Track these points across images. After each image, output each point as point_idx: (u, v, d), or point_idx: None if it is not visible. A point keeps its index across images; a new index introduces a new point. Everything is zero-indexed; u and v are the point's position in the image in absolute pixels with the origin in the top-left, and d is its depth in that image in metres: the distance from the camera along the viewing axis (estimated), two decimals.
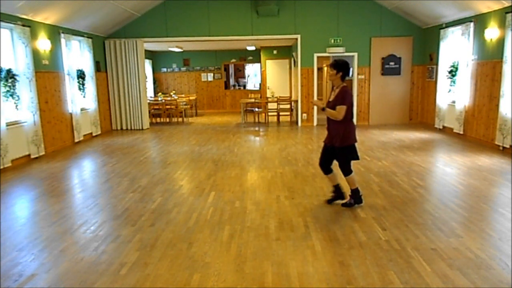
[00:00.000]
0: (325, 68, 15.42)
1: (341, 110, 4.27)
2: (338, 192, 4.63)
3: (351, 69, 12.32)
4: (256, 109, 12.78)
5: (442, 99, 9.85)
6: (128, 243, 3.71)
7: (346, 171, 4.49)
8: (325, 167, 4.62)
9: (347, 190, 4.64)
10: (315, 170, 6.16)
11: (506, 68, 7.19)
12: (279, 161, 7.05)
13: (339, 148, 4.42)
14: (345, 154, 4.45)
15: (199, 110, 16.21)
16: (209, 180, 5.87)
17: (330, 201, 4.69)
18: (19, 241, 3.82)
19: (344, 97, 4.30)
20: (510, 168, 6.10)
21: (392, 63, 11.14)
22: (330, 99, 4.45)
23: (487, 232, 3.78)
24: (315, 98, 11.59)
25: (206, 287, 2.94)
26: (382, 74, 11.21)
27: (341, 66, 4.34)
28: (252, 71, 20.20)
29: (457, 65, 9.07)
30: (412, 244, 3.55)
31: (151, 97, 14.84)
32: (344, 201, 4.60)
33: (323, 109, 4.43)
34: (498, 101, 7.48)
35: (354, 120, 11.29)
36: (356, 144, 4.51)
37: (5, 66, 6.96)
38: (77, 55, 9.71)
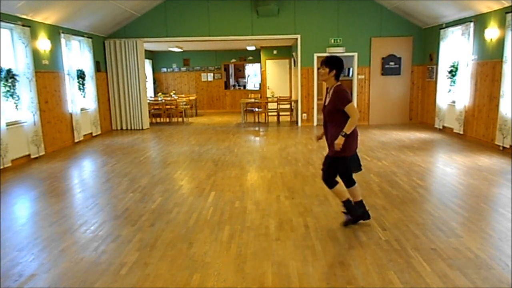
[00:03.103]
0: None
1: (351, 109, 3.65)
2: (351, 208, 3.95)
3: (351, 69, 12.33)
4: (256, 109, 12.78)
5: (442, 99, 9.85)
6: (128, 243, 3.71)
7: (330, 182, 3.88)
8: (327, 180, 3.93)
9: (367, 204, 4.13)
10: (315, 170, 6.16)
11: (506, 68, 7.19)
12: (279, 161, 7.05)
13: (331, 157, 3.83)
14: (336, 165, 3.82)
15: (199, 110, 16.21)
16: (209, 180, 5.87)
17: (345, 223, 4.00)
18: (19, 241, 3.82)
19: (344, 95, 3.69)
20: (510, 168, 6.09)
21: (392, 63, 11.14)
22: (326, 103, 3.85)
23: (487, 232, 3.78)
24: (315, 99, 11.59)
25: (206, 287, 2.95)
26: (382, 74, 11.20)
27: (334, 63, 3.70)
28: (252, 71, 20.20)
29: (457, 65, 9.07)
30: (412, 244, 3.55)
31: (151, 97, 14.85)
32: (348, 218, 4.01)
33: (345, 135, 3.64)
34: (498, 101, 7.48)
35: None
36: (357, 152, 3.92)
37: (5, 66, 6.96)
38: (77, 55, 9.71)
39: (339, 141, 3.65)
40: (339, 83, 3.79)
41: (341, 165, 3.83)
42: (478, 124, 8.37)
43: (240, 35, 11.22)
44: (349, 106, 3.66)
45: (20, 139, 7.26)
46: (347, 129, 3.65)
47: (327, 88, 3.93)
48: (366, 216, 4.01)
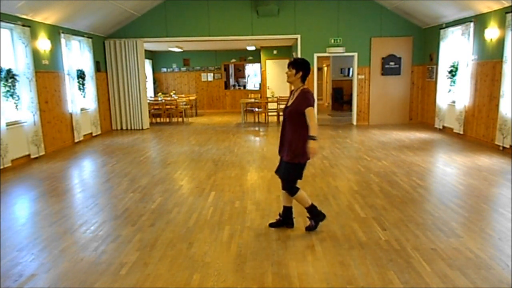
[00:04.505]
0: (325, 68, 15.43)
1: (311, 112, 3.61)
2: (287, 217, 4.01)
3: (351, 69, 12.34)
4: (256, 109, 12.77)
5: (442, 99, 9.85)
6: (128, 243, 3.71)
7: (290, 189, 3.85)
8: (288, 188, 3.91)
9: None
10: (315, 170, 6.16)
11: (506, 68, 7.19)
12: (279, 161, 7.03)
13: (286, 163, 3.78)
14: (292, 171, 3.78)
15: (199, 110, 16.20)
16: (209, 180, 5.87)
17: (273, 225, 4.04)
18: (19, 241, 3.82)
19: (308, 98, 3.66)
20: (510, 168, 6.09)
21: (392, 63, 11.14)
22: (288, 104, 3.80)
23: (487, 232, 3.78)
24: (315, 99, 11.58)
25: (206, 287, 2.95)
26: (382, 74, 11.20)
27: (301, 65, 3.70)
28: (252, 71, 20.21)
29: (457, 65, 9.07)
30: (412, 244, 3.55)
31: (151, 97, 14.84)
32: (307, 225, 3.97)
33: (313, 138, 3.60)
34: (498, 101, 7.48)
35: (354, 120, 11.53)
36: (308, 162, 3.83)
37: (5, 66, 6.96)
38: (77, 55, 9.71)
39: (313, 145, 3.58)
40: (305, 86, 3.78)
41: (297, 171, 3.78)
42: (478, 124, 8.37)
43: (240, 35, 11.22)
44: (309, 109, 3.61)
45: (20, 139, 7.25)
46: (313, 132, 3.59)
47: (291, 91, 3.91)
48: (290, 223, 4.02)
